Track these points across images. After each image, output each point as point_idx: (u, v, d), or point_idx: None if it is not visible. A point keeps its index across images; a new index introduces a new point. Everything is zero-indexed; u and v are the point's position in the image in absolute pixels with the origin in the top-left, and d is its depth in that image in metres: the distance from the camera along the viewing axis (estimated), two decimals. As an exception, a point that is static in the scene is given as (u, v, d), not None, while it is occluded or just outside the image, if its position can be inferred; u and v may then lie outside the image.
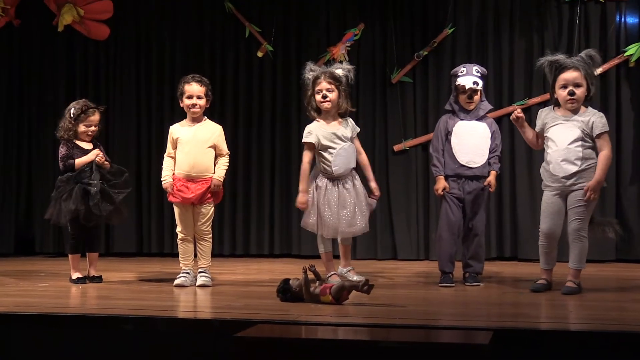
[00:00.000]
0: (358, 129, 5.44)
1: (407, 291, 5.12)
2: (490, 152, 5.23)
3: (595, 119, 4.71)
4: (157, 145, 7.41)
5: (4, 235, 7.87)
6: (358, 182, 5.35)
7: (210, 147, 5.33)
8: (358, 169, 5.43)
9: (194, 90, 5.30)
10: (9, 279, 5.76)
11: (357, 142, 5.42)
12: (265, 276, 5.87)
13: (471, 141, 5.21)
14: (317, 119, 5.33)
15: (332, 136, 5.27)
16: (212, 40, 7.65)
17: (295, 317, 3.86)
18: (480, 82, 5.20)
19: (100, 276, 5.52)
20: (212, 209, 5.36)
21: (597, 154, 4.72)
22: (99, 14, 7.59)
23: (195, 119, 5.36)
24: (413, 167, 7.17)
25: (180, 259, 5.34)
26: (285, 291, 4.42)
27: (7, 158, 7.95)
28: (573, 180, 4.69)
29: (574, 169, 4.69)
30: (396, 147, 7.20)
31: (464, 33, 7.12)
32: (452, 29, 7.09)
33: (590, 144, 4.72)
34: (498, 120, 6.58)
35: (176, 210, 5.33)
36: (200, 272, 5.28)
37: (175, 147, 5.34)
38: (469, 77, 5.17)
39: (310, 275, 4.39)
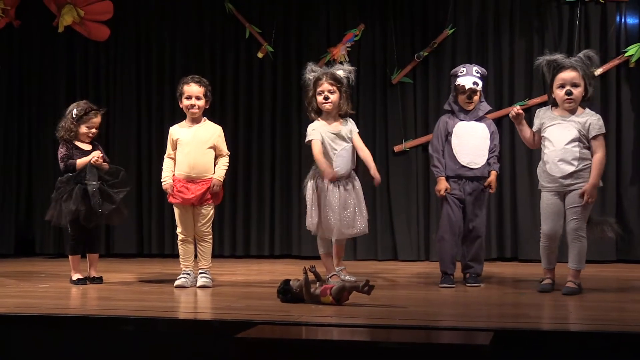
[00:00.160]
0: (357, 130, 5.42)
1: (408, 292, 5.12)
2: (489, 152, 5.23)
3: (592, 120, 4.71)
4: (157, 146, 7.41)
5: (4, 235, 7.87)
6: (358, 183, 5.34)
7: (210, 147, 5.33)
8: (358, 168, 5.43)
9: (192, 91, 5.29)
10: (9, 280, 5.76)
11: (358, 139, 5.37)
12: (265, 277, 5.87)
13: (471, 142, 5.20)
14: (318, 120, 5.33)
15: (334, 137, 5.27)
16: (212, 40, 7.65)
17: (296, 318, 3.86)
18: (480, 83, 5.20)
19: (101, 277, 5.52)
20: (212, 209, 5.36)
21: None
22: (99, 14, 7.60)
23: (194, 120, 5.35)
24: (413, 167, 7.16)
25: (180, 260, 5.34)
26: (286, 292, 4.41)
27: (7, 158, 7.95)
28: (570, 180, 4.69)
29: (570, 169, 4.68)
30: (396, 148, 7.20)
31: (464, 33, 7.12)
32: (452, 30, 7.09)
33: (587, 145, 4.71)
34: (498, 120, 6.59)
35: (176, 211, 5.33)
36: (200, 273, 5.28)
37: (175, 148, 5.33)
38: (468, 77, 5.17)
39: (311, 276, 4.38)
